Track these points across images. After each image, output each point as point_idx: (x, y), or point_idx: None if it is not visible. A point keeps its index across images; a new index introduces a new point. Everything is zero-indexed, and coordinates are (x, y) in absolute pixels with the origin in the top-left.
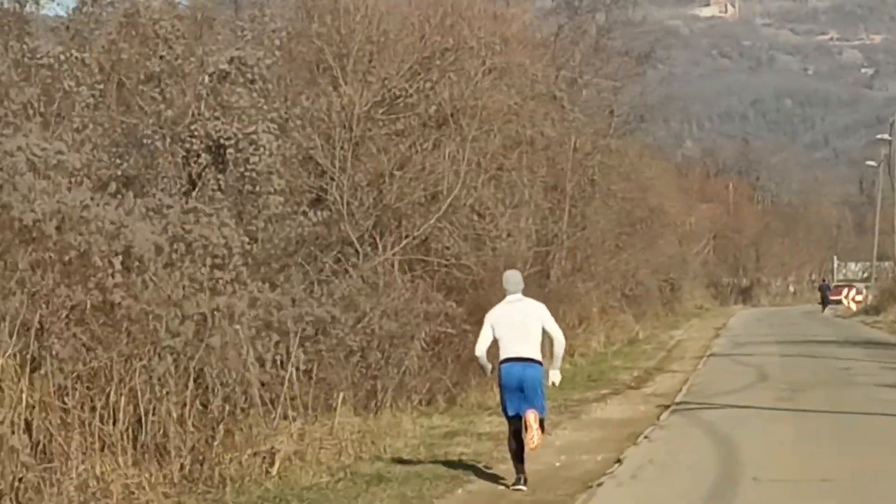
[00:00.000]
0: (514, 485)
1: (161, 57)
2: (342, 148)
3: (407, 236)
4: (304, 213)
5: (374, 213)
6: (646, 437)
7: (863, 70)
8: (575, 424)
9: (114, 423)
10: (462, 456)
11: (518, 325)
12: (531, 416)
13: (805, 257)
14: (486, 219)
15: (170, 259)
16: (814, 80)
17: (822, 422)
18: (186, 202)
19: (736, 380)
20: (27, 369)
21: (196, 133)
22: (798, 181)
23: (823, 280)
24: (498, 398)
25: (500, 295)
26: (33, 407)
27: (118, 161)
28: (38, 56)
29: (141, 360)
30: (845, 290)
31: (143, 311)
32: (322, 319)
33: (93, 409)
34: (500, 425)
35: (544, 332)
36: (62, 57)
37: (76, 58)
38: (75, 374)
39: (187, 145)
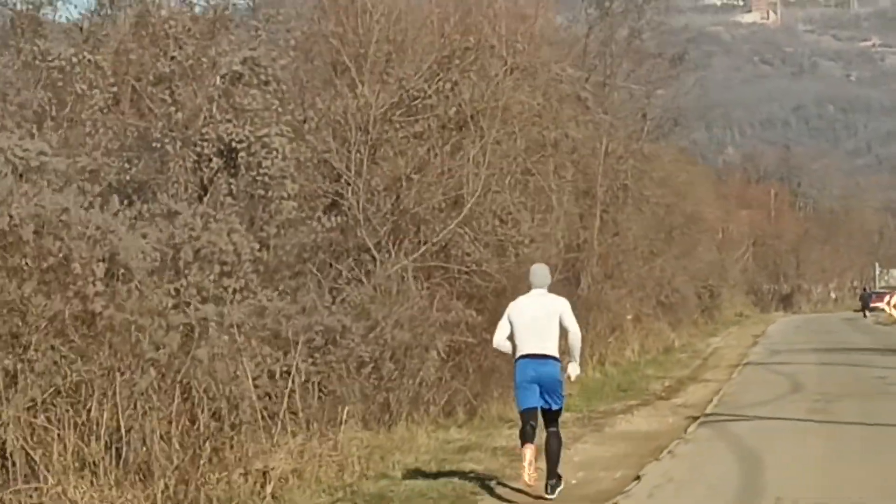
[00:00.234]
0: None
1: (172, 58)
2: (358, 151)
3: (426, 242)
4: (319, 219)
5: (392, 218)
6: (669, 452)
7: None
8: (597, 438)
9: (94, 441)
10: (473, 472)
11: (539, 319)
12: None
13: (846, 264)
14: (509, 224)
15: (173, 266)
16: (856, 87)
17: (854, 434)
18: (197, 207)
19: (769, 390)
20: (1, 383)
21: (207, 136)
22: (839, 187)
23: (865, 288)
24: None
25: None
26: (7, 424)
27: (126, 166)
28: (50, 58)
29: (123, 373)
30: (887, 297)
31: (125, 322)
32: (332, 329)
33: (73, 425)
34: (518, 438)
35: (561, 327)
36: (74, 59)
37: (89, 60)
38: (53, 388)
39: (198, 149)
